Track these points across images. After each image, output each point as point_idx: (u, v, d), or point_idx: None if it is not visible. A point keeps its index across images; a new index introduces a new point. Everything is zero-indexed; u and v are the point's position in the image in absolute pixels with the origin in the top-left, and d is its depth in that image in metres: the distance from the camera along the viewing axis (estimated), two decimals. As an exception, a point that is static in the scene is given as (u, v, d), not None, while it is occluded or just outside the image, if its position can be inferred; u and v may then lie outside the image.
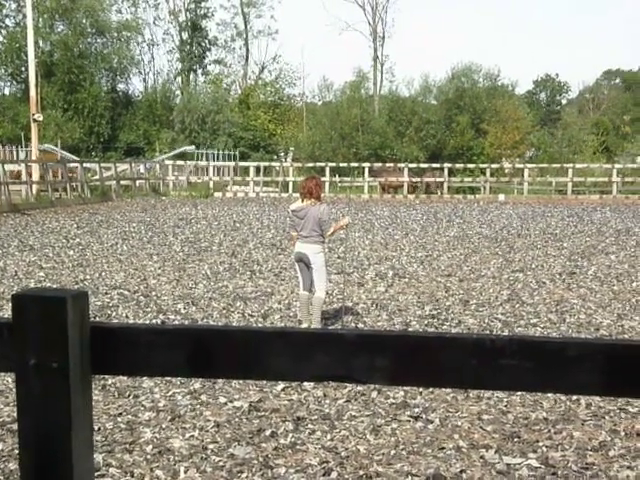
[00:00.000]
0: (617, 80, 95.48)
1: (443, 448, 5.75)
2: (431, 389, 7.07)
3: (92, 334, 1.99)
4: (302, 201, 9.77)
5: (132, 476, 5.28)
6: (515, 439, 5.96)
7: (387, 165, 43.92)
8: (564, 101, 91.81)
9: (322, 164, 43.36)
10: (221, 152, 53.84)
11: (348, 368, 1.97)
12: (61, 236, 20.37)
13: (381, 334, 2.04)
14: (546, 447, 5.77)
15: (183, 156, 49.22)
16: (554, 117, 78.03)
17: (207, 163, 44.84)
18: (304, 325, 9.63)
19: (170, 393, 7.13)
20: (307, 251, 9.60)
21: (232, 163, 46.17)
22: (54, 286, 12.67)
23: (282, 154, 60.33)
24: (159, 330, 2.09)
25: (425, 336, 2.01)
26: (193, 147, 51.69)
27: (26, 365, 1.91)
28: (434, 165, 43.86)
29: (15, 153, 45.93)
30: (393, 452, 5.67)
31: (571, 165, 42.37)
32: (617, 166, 42.58)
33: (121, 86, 66.22)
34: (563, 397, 6.83)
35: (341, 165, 43.75)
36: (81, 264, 15.30)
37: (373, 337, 2.00)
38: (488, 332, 9.57)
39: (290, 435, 6.04)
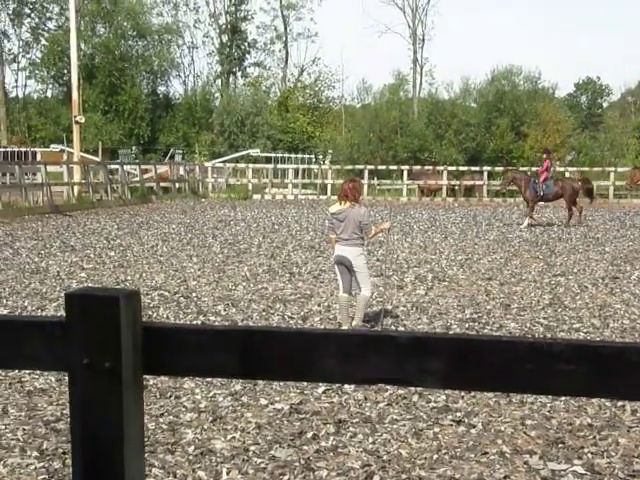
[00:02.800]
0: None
1: (486, 453, 5.70)
2: (473, 393, 7.01)
3: (144, 334, 1.99)
4: (341, 204, 9.76)
5: (175, 477, 5.29)
6: (559, 445, 5.89)
7: (426, 168, 43.72)
8: (605, 104, 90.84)
9: (360, 166, 43.31)
10: (280, 155, 53.78)
11: (400, 371, 1.95)
12: (102, 237, 20.55)
13: (434, 336, 2.02)
14: (591, 453, 5.69)
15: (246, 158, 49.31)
16: (595, 120, 77.25)
17: (246, 165, 44.98)
18: (344, 327, 9.61)
19: (211, 394, 7.15)
20: (348, 254, 9.59)
21: (271, 165, 46.28)
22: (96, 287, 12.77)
23: (320, 156, 60.35)
24: (211, 331, 2.08)
25: (479, 339, 1.98)
26: (258, 150, 51.67)
27: (79, 365, 1.91)
28: (473, 168, 43.59)
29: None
30: (435, 456, 5.63)
31: (613, 169, 41.82)
32: (660, 170, 41.96)
33: (161, 88, 66.89)
34: (608, 403, 6.74)
35: (379, 168, 43.65)
36: (122, 265, 15.41)
37: (426, 339, 1.98)
38: (529, 336, 9.47)
39: (331, 438, 6.02)
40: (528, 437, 6.06)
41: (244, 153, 50.71)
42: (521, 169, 29.66)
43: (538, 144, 53.76)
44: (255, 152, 50.96)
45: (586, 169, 45.15)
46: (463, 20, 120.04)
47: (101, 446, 1.92)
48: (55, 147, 47.96)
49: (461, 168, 44.45)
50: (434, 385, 2.00)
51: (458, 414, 6.59)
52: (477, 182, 41.30)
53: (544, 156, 27.45)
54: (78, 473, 1.95)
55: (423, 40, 67.38)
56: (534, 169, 32.68)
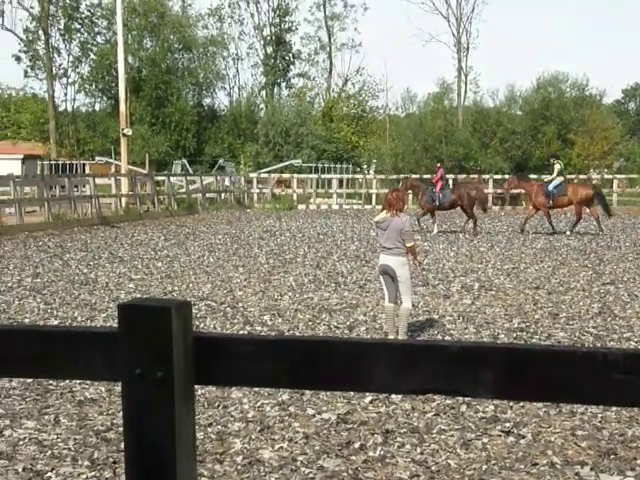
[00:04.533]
0: None
1: (536, 464, 5.63)
2: (521, 403, 6.94)
3: (195, 344, 2.00)
4: (385, 213, 9.76)
5: (223, 486, 5.31)
6: (611, 456, 5.80)
7: (471, 177, 43.44)
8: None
9: (405, 176, 43.16)
10: (326, 165, 53.86)
11: (451, 381, 1.93)
12: (149, 248, 20.74)
13: (486, 346, 2.00)
14: (644, 465, 5.60)
15: (288, 169, 49.61)
16: (644, 126, 76.17)
17: (290, 176, 45.15)
18: (390, 337, 9.58)
19: (259, 404, 7.16)
20: (391, 263, 9.56)
21: (315, 175, 46.36)
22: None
23: (365, 166, 60.30)
24: (262, 341, 2.09)
25: (532, 349, 1.96)
26: (300, 160, 51.90)
27: (132, 375, 1.93)
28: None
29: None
30: (485, 467, 5.58)
31: (662, 175, 41.14)
32: None
33: (207, 100, 67.41)
34: (661, 414, 6.63)
35: (424, 177, 43.45)
36: (169, 275, 15.53)
37: (478, 349, 1.96)
38: (579, 345, 9.35)
39: (379, 448, 6.00)
40: (579, 448, 5.98)
41: (287, 163, 50.91)
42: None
43: (585, 151, 53.19)
44: (297, 162, 51.13)
45: (635, 176, 44.54)
46: (508, 28, 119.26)
47: (154, 455, 1.93)
48: (100, 159, 48.61)
49: (507, 176, 44.03)
50: (486, 395, 1.98)
51: (507, 424, 6.52)
52: (523, 190, 40.82)
53: (438, 165, 28.91)
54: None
55: (468, 48, 67.05)
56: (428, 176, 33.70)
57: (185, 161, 50.84)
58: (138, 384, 1.93)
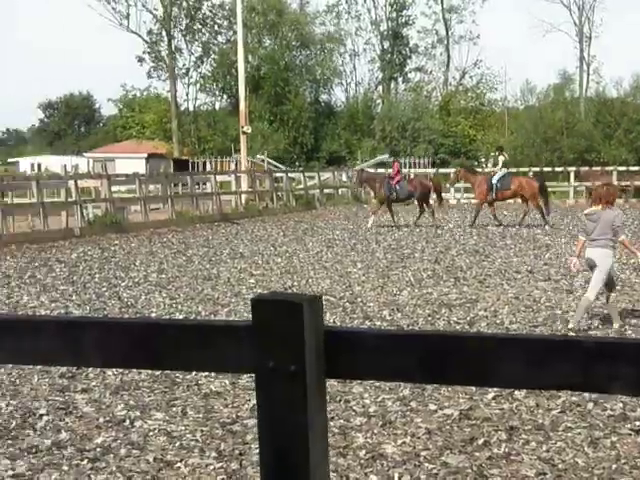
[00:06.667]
0: None
1: (669, 465, 5.46)
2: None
3: (326, 338, 2.02)
4: (595, 206, 9.96)
5: (347, 480, 5.35)
6: None
7: (594, 169, 42.27)
8: None
9: (525, 169, 42.34)
10: (420, 160, 53.61)
11: (587, 376, 1.90)
12: (269, 244, 21.04)
13: (622, 342, 1.96)
14: None
15: (383, 165, 49.56)
16: None
17: (407, 170, 44.91)
18: (570, 326, 9.84)
19: (380, 399, 7.17)
20: (596, 255, 9.77)
21: (432, 170, 45.99)
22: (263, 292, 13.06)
23: (482, 160, 59.50)
24: (390, 335, 2.10)
25: (671, 345, 1.91)
26: (386, 156, 51.76)
27: (265, 368, 1.97)
28: (645, 168, 41.78)
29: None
30: (614, 466, 5.43)
31: None
32: None
33: (324, 97, 67.95)
34: None
35: (545, 170, 42.53)
36: (288, 271, 15.72)
37: (614, 345, 1.92)
38: None
39: (504, 445, 5.92)
40: None
41: (377, 160, 50.54)
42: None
43: None
44: (385, 157, 50.93)
45: None
46: (633, 15, 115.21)
47: (287, 447, 1.97)
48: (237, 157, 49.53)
49: (632, 168, 42.66)
50: (621, 391, 1.94)
51: (637, 423, 6.33)
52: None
53: (391, 160, 30.36)
54: (266, 473, 2.00)
55: (590, 38, 65.45)
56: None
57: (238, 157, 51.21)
58: (271, 377, 1.97)
